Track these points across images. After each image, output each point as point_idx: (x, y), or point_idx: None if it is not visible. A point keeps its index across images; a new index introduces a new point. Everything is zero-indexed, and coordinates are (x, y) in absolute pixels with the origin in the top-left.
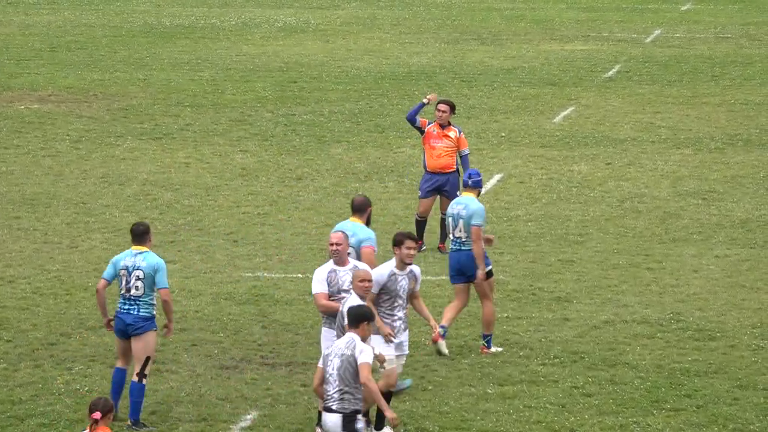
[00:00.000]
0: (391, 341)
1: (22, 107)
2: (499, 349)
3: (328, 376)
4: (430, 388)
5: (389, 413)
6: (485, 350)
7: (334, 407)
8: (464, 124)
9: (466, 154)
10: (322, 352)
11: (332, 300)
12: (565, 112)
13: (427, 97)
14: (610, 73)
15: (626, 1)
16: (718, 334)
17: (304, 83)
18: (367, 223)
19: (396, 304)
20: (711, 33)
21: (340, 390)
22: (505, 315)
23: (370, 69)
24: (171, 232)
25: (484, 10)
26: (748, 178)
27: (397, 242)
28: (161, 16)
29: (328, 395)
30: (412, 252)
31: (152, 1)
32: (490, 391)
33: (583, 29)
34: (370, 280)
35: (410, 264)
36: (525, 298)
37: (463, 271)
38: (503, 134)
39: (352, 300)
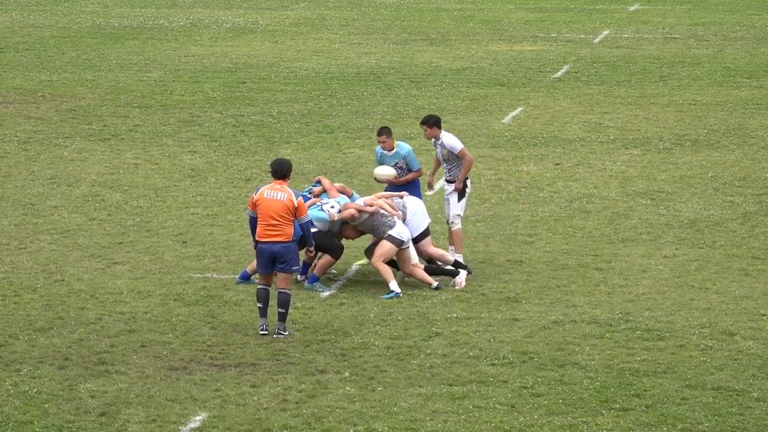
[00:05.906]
0: None
1: None
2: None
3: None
4: (379, 389)
5: None
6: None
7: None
8: (413, 125)
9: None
10: None
11: None
12: (514, 113)
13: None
14: (559, 73)
15: (574, 2)
16: (666, 334)
17: (252, 84)
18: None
19: None
20: (659, 33)
21: (449, 169)
22: (455, 315)
23: (318, 70)
24: (120, 233)
25: (432, 11)
26: (696, 179)
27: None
28: (109, 17)
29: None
30: None
31: (100, 2)
32: (439, 392)
33: (531, 30)
34: None
35: None
36: (474, 299)
37: None
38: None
39: None
